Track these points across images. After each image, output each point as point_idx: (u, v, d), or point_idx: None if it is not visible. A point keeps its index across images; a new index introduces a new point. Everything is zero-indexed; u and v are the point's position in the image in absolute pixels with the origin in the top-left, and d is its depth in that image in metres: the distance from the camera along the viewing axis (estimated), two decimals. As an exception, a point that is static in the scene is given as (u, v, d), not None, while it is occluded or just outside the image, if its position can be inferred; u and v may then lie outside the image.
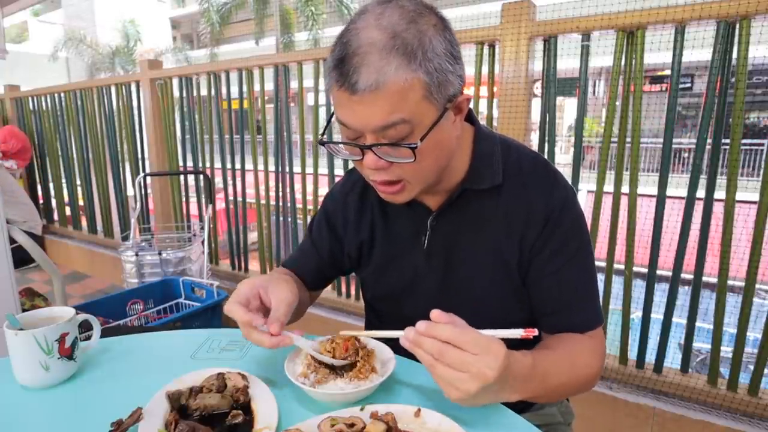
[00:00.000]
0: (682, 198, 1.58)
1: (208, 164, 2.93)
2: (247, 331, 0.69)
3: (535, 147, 1.85)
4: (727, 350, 1.61)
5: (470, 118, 0.83)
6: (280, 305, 0.72)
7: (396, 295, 0.90)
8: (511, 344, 0.60)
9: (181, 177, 3.17)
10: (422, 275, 0.87)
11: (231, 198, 2.89)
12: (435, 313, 0.60)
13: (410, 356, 0.77)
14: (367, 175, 0.74)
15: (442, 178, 0.78)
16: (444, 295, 0.85)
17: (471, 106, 0.79)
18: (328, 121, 0.80)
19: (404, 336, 0.61)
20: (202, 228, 2.79)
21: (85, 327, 0.82)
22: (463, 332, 0.58)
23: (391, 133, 0.65)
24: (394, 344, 0.70)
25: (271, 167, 2.65)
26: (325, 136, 0.76)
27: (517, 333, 0.61)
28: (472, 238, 0.82)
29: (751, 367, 1.56)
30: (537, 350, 0.72)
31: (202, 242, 2.71)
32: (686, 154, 7.31)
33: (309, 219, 1.02)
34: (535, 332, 0.60)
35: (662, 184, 1.61)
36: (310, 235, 0.99)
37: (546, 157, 1.78)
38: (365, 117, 0.65)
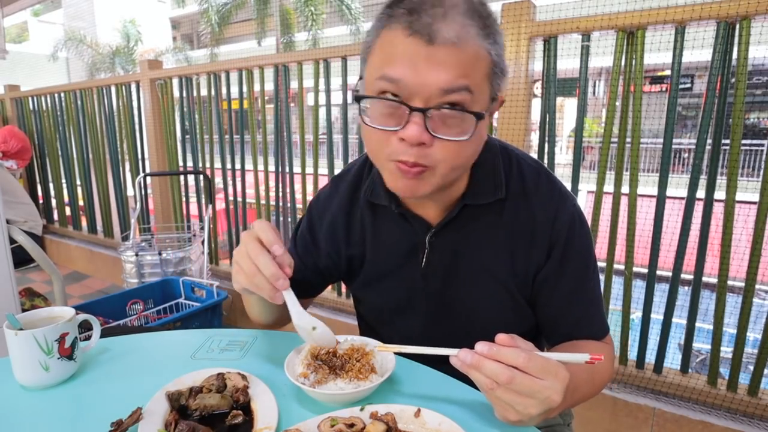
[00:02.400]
0: (682, 198, 1.58)
1: (208, 164, 2.93)
2: (253, 275, 0.64)
3: (535, 147, 1.85)
4: (727, 350, 1.61)
5: None
6: (285, 258, 0.66)
7: (389, 313, 0.87)
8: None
9: (181, 177, 3.17)
10: (417, 294, 0.82)
11: (231, 198, 2.89)
12: (501, 337, 0.57)
13: (411, 356, 0.77)
14: (391, 154, 0.64)
15: (446, 188, 0.72)
16: (440, 314, 0.82)
17: None
18: (361, 77, 0.69)
19: (459, 357, 0.58)
20: (202, 228, 2.79)
21: (85, 327, 0.82)
22: (530, 358, 0.55)
23: (453, 100, 0.59)
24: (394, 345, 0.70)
25: (271, 167, 2.65)
26: (359, 92, 0.66)
27: (581, 358, 0.59)
28: (471, 256, 0.78)
29: (751, 368, 1.56)
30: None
31: (202, 242, 2.71)
32: (686, 154, 7.31)
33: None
34: (602, 359, 0.58)
35: (662, 185, 1.61)
36: (294, 246, 0.91)
37: (546, 158, 1.79)
38: (435, 73, 0.58)
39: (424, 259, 0.79)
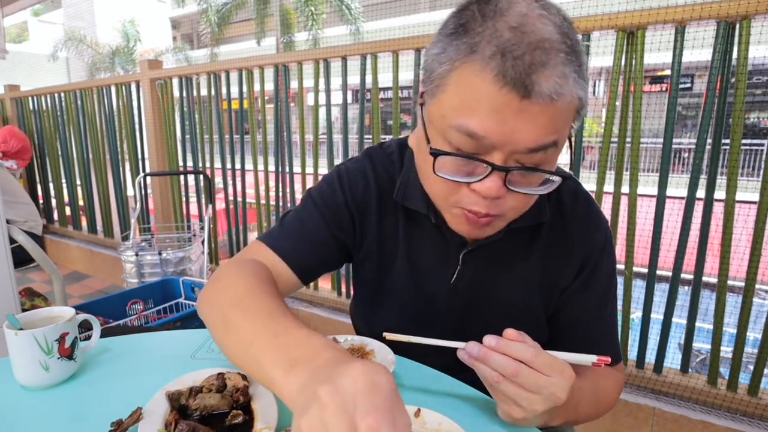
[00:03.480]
0: (682, 198, 1.58)
1: (208, 164, 2.93)
2: None
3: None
4: (727, 350, 1.61)
5: None
6: None
7: (406, 322, 0.80)
8: None
9: (181, 177, 3.17)
10: (443, 309, 0.78)
11: (231, 198, 2.89)
12: (509, 332, 0.57)
13: (412, 356, 0.77)
14: (459, 202, 0.59)
15: None
16: (458, 331, 0.73)
17: None
18: (423, 103, 0.61)
19: (466, 350, 0.58)
20: (202, 228, 2.79)
21: (85, 327, 0.82)
22: (538, 353, 0.55)
23: (538, 158, 0.54)
24: (395, 345, 0.70)
25: (271, 167, 2.65)
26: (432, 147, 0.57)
27: (588, 359, 0.59)
28: (502, 279, 0.76)
29: (751, 367, 1.56)
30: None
31: (202, 242, 2.71)
32: (686, 154, 7.31)
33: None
34: (608, 360, 0.58)
35: (662, 184, 1.61)
36: (316, 208, 0.76)
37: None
38: (525, 132, 0.51)
39: (455, 275, 0.76)
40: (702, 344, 1.79)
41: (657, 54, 1.61)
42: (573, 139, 0.59)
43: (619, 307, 1.74)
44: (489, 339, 0.57)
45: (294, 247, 0.75)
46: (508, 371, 0.55)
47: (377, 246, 0.78)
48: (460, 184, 0.58)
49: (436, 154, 0.56)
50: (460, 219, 0.62)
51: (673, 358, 1.74)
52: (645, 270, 1.69)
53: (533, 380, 0.55)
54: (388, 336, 0.64)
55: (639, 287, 1.72)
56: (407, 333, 0.68)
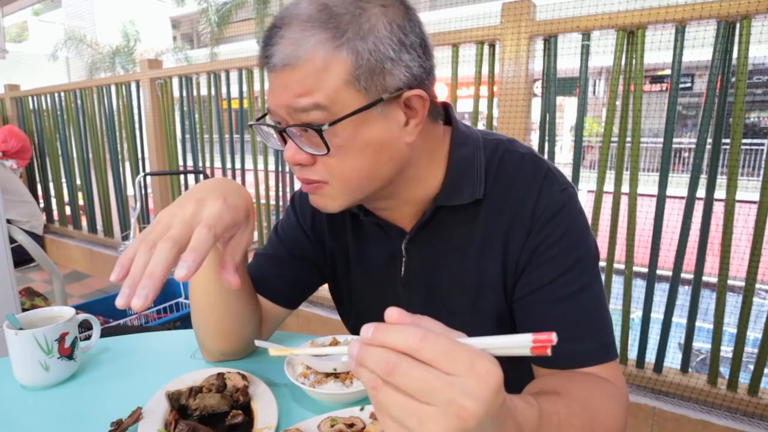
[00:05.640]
0: (683, 198, 1.58)
1: (208, 164, 2.93)
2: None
3: (535, 147, 1.84)
4: (727, 350, 1.61)
5: (448, 120, 0.71)
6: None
7: None
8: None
9: (181, 177, 3.17)
10: (404, 305, 0.70)
11: (231, 197, 2.89)
12: (391, 312, 0.38)
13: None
14: (294, 172, 0.65)
15: (405, 191, 0.67)
16: None
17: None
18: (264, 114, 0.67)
19: (349, 353, 0.38)
20: (202, 227, 2.78)
21: (85, 326, 0.82)
22: (425, 336, 0.34)
23: (309, 119, 0.57)
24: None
25: (271, 167, 2.65)
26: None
27: (521, 342, 0.34)
28: (452, 263, 0.70)
29: (751, 367, 1.56)
30: (543, 396, 0.51)
31: (202, 242, 2.71)
32: (686, 154, 7.30)
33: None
34: (550, 341, 0.33)
35: (662, 184, 1.61)
36: (278, 237, 0.83)
37: (546, 157, 1.78)
38: (278, 96, 0.58)
39: (403, 268, 0.73)
40: (702, 344, 1.79)
41: (657, 53, 1.61)
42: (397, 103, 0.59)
43: (619, 306, 1.75)
44: (364, 328, 0.37)
45: (262, 278, 0.80)
46: (381, 368, 0.34)
47: (331, 256, 0.81)
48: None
49: (250, 125, 0.67)
50: (302, 188, 0.68)
51: (673, 358, 1.74)
52: (645, 270, 1.69)
53: (419, 380, 0.33)
54: (272, 352, 0.51)
55: (639, 287, 1.72)
56: None
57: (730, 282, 1.54)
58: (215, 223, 0.54)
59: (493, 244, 0.68)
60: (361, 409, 0.64)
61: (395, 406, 0.34)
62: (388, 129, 0.60)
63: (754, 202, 1.46)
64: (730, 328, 1.59)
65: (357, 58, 0.55)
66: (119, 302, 0.48)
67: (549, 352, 0.33)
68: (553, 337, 0.33)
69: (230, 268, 0.58)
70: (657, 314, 1.70)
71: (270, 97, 0.59)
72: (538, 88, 1.78)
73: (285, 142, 0.61)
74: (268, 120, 0.62)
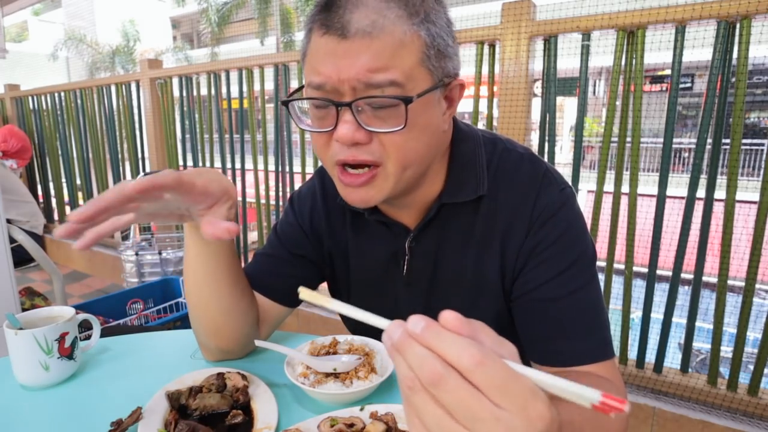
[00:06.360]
0: (683, 198, 1.58)
1: (208, 164, 2.92)
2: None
3: (535, 147, 1.84)
4: (727, 350, 1.61)
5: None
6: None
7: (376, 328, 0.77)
8: None
9: (181, 176, 3.17)
10: (404, 305, 0.75)
11: (231, 197, 2.89)
12: (447, 316, 0.32)
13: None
14: (333, 156, 0.60)
15: (417, 187, 0.67)
16: None
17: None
18: (299, 88, 0.65)
19: (387, 332, 0.34)
20: (202, 227, 2.78)
21: (85, 326, 0.82)
22: (485, 359, 0.30)
23: (379, 93, 0.55)
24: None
25: (272, 167, 2.65)
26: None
27: (587, 396, 0.30)
28: (455, 261, 0.71)
29: (751, 367, 1.56)
30: (562, 406, 0.49)
31: (202, 242, 2.71)
32: (686, 154, 7.31)
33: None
34: (624, 410, 0.29)
35: (662, 184, 1.61)
36: (277, 237, 0.82)
37: (546, 157, 1.78)
38: (352, 66, 0.54)
39: (405, 267, 0.73)
40: (702, 344, 1.79)
41: (657, 54, 1.61)
42: (449, 83, 0.60)
43: (619, 307, 1.75)
44: (415, 320, 0.33)
45: (261, 277, 0.80)
46: (425, 375, 0.30)
47: (329, 256, 0.81)
48: (330, 140, 0.59)
49: (285, 102, 0.61)
50: (341, 186, 0.63)
51: (673, 358, 1.74)
52: (645, 270, 1.69)
53: (464, 403, 0.30)
54: (303, 293, 0.44)
55: (639, 287, 1.72)
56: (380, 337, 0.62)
57: (730, 282, 1.54)
58: (140, 179, 0.49)
59: (492, 243, 0.68)
60: (361, 409, 0.64)
61: (430, 414, 0.31)
62: (437, 114, 0.60)
63: (754, 202, 1.46)
64: (730, 328, 1.59)
65: (430, 38, 0.56)
66: (59, 232, 0.47)
67: (613, 416, 0.30)
68: (626, 408, 0.29)
69: (212, 223, 0.57)
70: (657, 314, 1.70)
71: (333, 67, 0.55)
72: (538, 88, 1.78)
73: (336, 119, 0.56)
74: (308, 93, 0.59)
